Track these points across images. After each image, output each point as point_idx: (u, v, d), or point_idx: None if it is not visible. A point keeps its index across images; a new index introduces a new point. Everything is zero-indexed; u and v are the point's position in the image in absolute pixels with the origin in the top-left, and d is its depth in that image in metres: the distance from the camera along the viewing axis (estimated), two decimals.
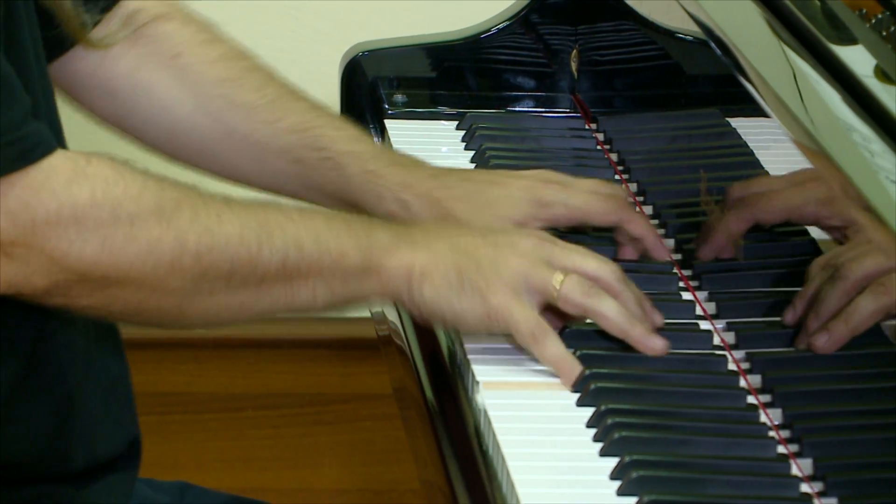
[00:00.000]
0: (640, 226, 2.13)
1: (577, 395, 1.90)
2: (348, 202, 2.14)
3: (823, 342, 1.83)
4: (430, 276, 1.91)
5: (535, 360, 1.95)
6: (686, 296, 2.12)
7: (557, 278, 1.91)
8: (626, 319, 1.91)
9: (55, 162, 1.76)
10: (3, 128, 1.75)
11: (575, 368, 1.89)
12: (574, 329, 1.98)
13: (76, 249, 1.78)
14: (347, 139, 2.16)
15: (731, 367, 1.95)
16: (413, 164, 2.20)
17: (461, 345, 1.98)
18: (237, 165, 2.13)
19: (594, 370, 1.92)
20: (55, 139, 1.80)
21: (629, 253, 2.13)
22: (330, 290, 1.90)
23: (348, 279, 1.89)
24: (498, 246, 1.95)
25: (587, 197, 2.13)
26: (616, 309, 1.90)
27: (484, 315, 1.90)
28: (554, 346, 1.89)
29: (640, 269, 2.12)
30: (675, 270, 2.13)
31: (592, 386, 1.90)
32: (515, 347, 1.97)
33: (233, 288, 1.85)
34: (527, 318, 1.89)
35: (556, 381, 1.93)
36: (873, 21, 1.84)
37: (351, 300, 1.93)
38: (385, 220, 2.00)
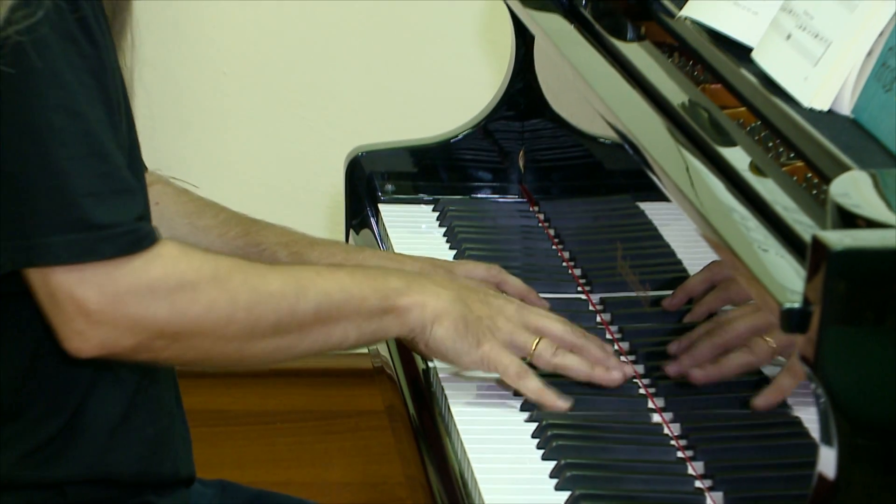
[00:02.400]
0: (514, 287, 2.10)
1: (525, 414, 1.89)
2: None
3: (697, 376, 1.79)
4: (442, 320, 1.87)
5: (492, 387, 1.94)
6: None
7: (533, 341, 1.89)
8: (587, 368, 1.89)
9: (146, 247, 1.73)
10: (110, 220, 1.70)
11: (553, 398, 1.87)
12: None
13: (151, 313, 1.73)
14: (277, 234, 2.15)
15: (641, 391, 1.93)
16: (327, 243, 2.19)
17: (436, 374, 1.97)
18: None
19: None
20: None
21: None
22: (358, 329, 1.85)
23: (371, 319, 1.85)
24: (490, 306, 1.93)
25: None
26: (577, 362, 1.89)
27: (479, 359, 1.88)
28: (535, 382, 1.87)
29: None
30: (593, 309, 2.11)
31: (542, 419, 1.87)
32: (477, 378, 1.95)
33: (279, 334, 1.81)
34: (513, 363, 1.88)
35: (509, 401, 1.91)
36: (748, 129, 1.80)
37: (377, 336, 1.91)
38: (400, 271, 1.98)
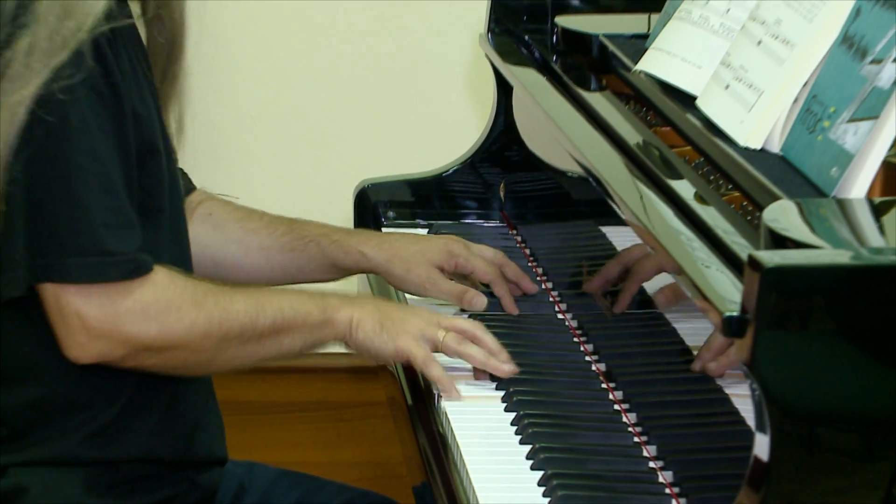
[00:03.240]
0: (513, 271, 2.13)
1: (505, 403, 1.87)
2: (328, 265, 2.13)
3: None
4: (362, 325, 1.89)
5: (478, 383, 1.93)
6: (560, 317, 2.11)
7: (441, 333, 1.90)
8: (484, 357, 1.90)
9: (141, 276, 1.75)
10: (119, 248, 1.72)
11: (450, 386, 1.89)
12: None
13: (141, 330, 1.75)
14: (317, 227, 2.14)
15: (603, 386, 1.91)
16: (363, 232, 2.25)
17: None
18: (257, 268, 2.12)
19: (515, 388, 1.89)
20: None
21: (508, 303, 2.11)
22: (303, 339, 1.88)
23: (314, 330, 1.88)
24: (406, 311, 1.96)
25: (478, 259, 2.11)
26: (476, 351, 1.90)
27: (394, 350, 1.89)
28: (438, 370, 1.89)
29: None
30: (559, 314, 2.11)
31: (515, 398, 1.87)
32: (465, 375, 1.93)
33: (242, 344, 1.83)
34: (421, 352, 1.89)
35: (492, 394, 1.90)
36: (693, 164, 1.79)
37: (317, 343, 1.90)
38: (335, 292, 1.96)
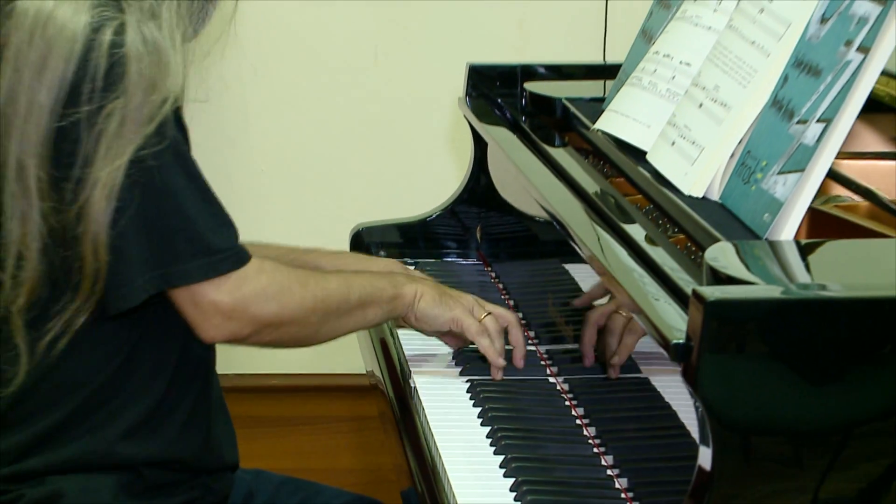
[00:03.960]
0: (517, 336, 2.00)
1: (481, 419, 1.86)
2: None
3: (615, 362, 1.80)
4: (425, 297, 1.94)
5: (457, 401, 1.91)
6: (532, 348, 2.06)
7: (483, 314, 1.96)
8: (494, 355, 1.94)
9: (248, 264, 1.77)
10: (225, 246, 1.75)
11: (496, 356, 1.94)
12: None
13: (264, 310, 1.79)
14: (322, 255, 2.12)
15: (566, 402, 1.89)
16: (384, 262, 2.22)
17: (417, 391, 1.95)
18: None
19: (490, 406, 1.88)
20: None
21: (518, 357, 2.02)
22: (381, 310, 1.92)
23: (390, 302, 1.93)
24: (458, 293, 1.99)
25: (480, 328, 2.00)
26: (489, 345, 1.94)
27: (450, 319, 1.95)
28: (488, 341, 1.94)
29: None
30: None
31: (490, 414, 1.86)
32: (448, 396, 1.93)
33: (339, 316, 1.87)
34: (474, 324, 1.95)
35: (470, 410, 1.88)
36: (644, 210, 1.79)
37: (391, 314, 1.95)
38: (400, 273, 2.06)
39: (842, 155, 1.74)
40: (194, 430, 1.86)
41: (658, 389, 1.66)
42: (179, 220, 1.71)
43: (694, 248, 1.63)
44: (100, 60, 1.66)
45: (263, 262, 1.79)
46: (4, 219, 1.70)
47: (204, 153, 1.94)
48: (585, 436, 1.79)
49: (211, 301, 1.74)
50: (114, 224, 1.68)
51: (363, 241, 2.40)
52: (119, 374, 1.79)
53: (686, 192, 1.74)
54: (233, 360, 2.93)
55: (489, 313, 1.95)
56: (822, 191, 1.67)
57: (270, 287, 1.78)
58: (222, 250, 1.74)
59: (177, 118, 1.73)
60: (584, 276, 1.92)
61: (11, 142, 1.67)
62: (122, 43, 1.66)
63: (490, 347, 1.93)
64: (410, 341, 2.08)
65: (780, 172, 1.60)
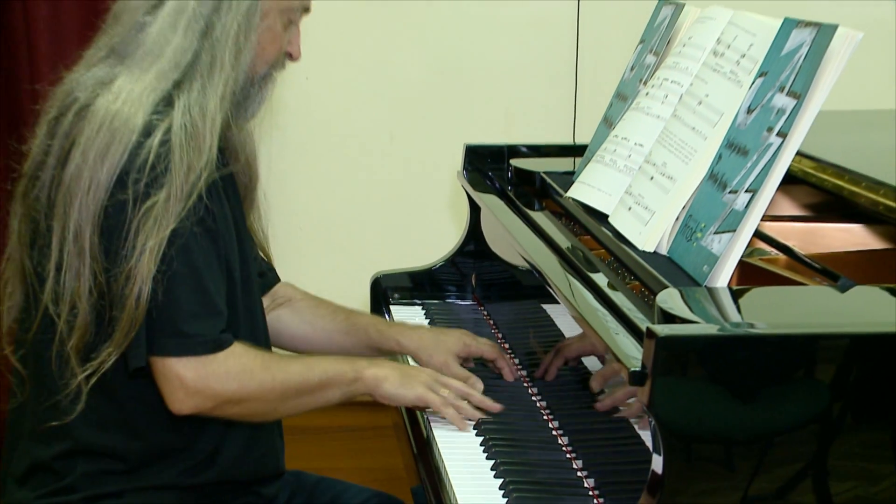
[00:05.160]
0: (504, 361, 2.01)
1: (476, 430, 1.83)
2: (371, 347, 2.03)
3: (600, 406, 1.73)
4: (388, 380, 1.80)
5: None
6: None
7: (444, 391, 1.82)
8: (458, 421, 1.80)
9: (224, 349, 1.70)
10: (204, 332, 1.67)
11: (460, 423, 1.81)
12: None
13: (226, 389, 1.69)
14: (367, 318, 2.06)
15: (545, 418, 1.86)
16: (400, 324, 2.08)
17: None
18: (320, 343, 2.04)
19: (483, 420, 1.85)
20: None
21: (507, 372, 2.00)
22: (341, 391, 1.79)
23: (349, 385, 1.79)
24: (415, 369, 1.86)
25: (483, 345, 2.00)
26: (452, 414, 1.81)
27: (415, 398, 1.81)
28: (451, 411, 1.81)
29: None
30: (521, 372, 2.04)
31: (483, 426, 1.83)
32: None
33: (298, 397, 1.76)
34: (437, 399, 1.81)
35: (467, 424, 1.84)
36: (606, 262, 1.77)
37: (350, 396, 1.80)
38: (363, 358, 1.87)
39: (765, 218, 1.75)
40: (249, 456, 1.82)
41: (619, 407, 1.65)
42: (170, 301, 1.64)
43: (647, 293, 1.62)
44: (150, 153, 1.62)
45: (236, 345, 1.69)
46: (63, 273, 1.65)
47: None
48: (560, 444, 1.77)
49: (176, 375, 1.65)
50: (149, 294, 1.63)
51: (380, 285, 2.37)
52: (177, 422, 1.71)
53: (640, 247, 1.73)
54: None
55: (445, 388, 1.82)
56: (749, 246, 1.66)
57: (233, 368, 1.68)
58: (198, 335, 1.65)
59: (210, 195, 1.67)
60: (558, 315, 1.90)
61: (73, 210, 1.63)
62: (169, 139, 1.63)
63: (455, 417, 1.80)
64: None
65: (716, 232, 1.59)
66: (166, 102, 1.66)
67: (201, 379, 1.66)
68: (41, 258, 1.68)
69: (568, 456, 1.73)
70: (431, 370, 1.87)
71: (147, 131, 1.64)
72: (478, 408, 1.83)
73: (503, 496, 1.62)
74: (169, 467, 1.76)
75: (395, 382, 1.80)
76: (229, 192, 1.78)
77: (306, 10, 1.77)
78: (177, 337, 1.65)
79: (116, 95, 1.64)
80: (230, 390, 1.68)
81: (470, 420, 1.82)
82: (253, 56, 1.70)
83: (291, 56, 1.77)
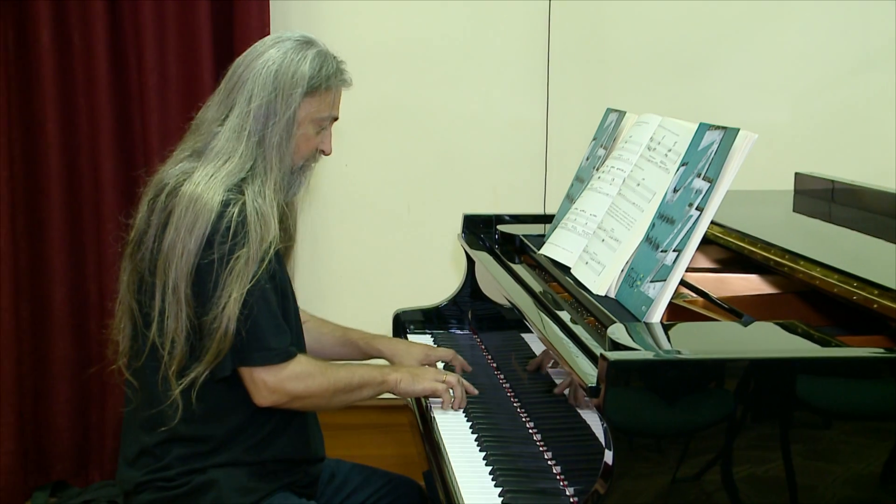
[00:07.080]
0: (459, 361, 2.01)
1: (470, 425, 1.82)
2: (360, 354, 2.04)
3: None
4: (403, 380, 1.82)
5: (458, 422, 1.84)
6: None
7: (442, 385, 1.84)
8: (458, 400, 1.84)
9: (294, 359, 1.72)
10: (279, 346, 1.69)
11: (459, 403, 1.83)
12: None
13: (296, 388, 1.72)
14: (357, 333, 2.05)
15: (523, 418, 1.82)
16: (383, 337, 2.07)
17: (431, 411, 1.88)
18: (323, 353, 2.02)
19: (474, 417, 1.83)
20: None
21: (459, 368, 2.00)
22: (372, 390, 1.80)
23: (378, 386, 1.81)
24: (421, 369, 1.87)
25: (442, 352, 2.01)
26: (449, 397, 1.84)
27: (423, 389, 1.83)
28: (447, 395, 1.84)
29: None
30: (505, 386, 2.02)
31: (476, 424, 1.82)
32: (451, 415, 1.86)
33: (344, 394, 1.77)
34: (441, 386, 1.84)
35: (463, 423, 1.82)
36: (570, 302, 1.76)
37: (379, 393, 1.82)
38: (389, 365, 1.89)
39: (688, 270, 1.74)
40: (299, 437, 1.81)
41: (580, 412, 1.64)
42: (255, 325, 1.67)
43: (600, 327, 1.61)
44: (230, 224, 1.65)
45: (301, 356, 1.72)
46: (165, 318, 1.68)
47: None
48: (535, 440, 1.75)
49: (261, 380, 1.69)
50: (234, 333, 1.66)
51: (400, 319, 2.36)
52: (248, 410, 1.74)
53: (595, 292, 1.72)
54: None
55: (443, 383, 1.85)
56: (676, 292, 1.65)
57: (301, 373, 1.71)
58: (276, 349, 1.68)
59: (277, 256, 1.71)
60: (533, 342, 1.89)
61: (171, 271, 1.66)
62: (244, 213, 1.66)
63: (449, 400, 1.84)
64: None
65: (651, 281, 1.59)
66: (237, 191, 1.69)
67: (279, 382, 1.69)
68: (146, 304, 1.71)
69: (541, 448, 1.71)
70: (433, 369, 1.88)
71: (225, 205, 1.66)
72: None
73: (492, 479, 1.61)
74: (238, 445, 1.75)
75: (409, 381, 1.82)
76: (279, 248, 1.81)
77: (335, 118, 1.79)
78: (260, 351, 1.68)
79: (197, 183, 1.67)
80: (299, 389, 1.71)
81: (455, 415, 1.83)
82: (293, 154, 1.74)
83: (324, 152, 1.80)
